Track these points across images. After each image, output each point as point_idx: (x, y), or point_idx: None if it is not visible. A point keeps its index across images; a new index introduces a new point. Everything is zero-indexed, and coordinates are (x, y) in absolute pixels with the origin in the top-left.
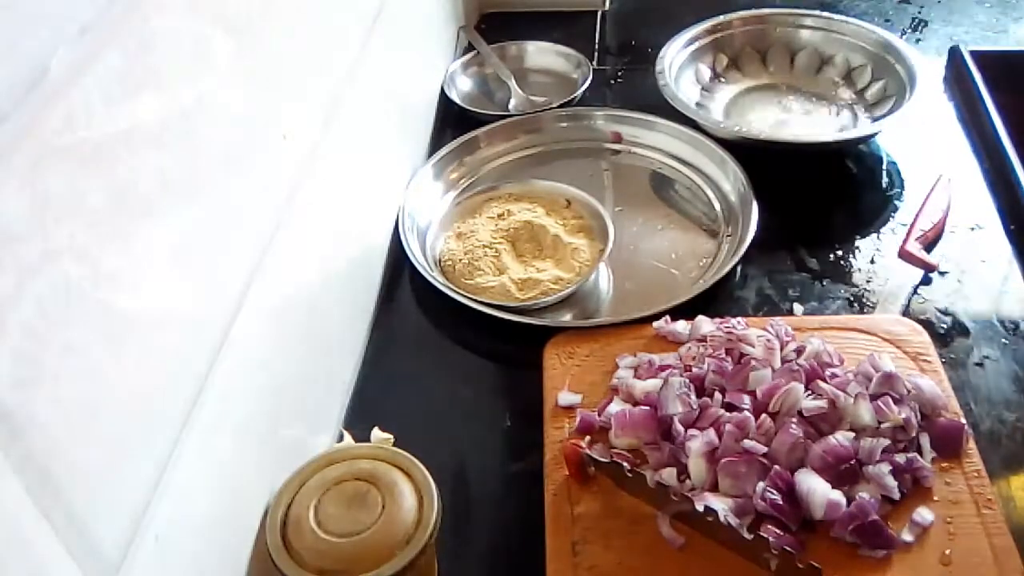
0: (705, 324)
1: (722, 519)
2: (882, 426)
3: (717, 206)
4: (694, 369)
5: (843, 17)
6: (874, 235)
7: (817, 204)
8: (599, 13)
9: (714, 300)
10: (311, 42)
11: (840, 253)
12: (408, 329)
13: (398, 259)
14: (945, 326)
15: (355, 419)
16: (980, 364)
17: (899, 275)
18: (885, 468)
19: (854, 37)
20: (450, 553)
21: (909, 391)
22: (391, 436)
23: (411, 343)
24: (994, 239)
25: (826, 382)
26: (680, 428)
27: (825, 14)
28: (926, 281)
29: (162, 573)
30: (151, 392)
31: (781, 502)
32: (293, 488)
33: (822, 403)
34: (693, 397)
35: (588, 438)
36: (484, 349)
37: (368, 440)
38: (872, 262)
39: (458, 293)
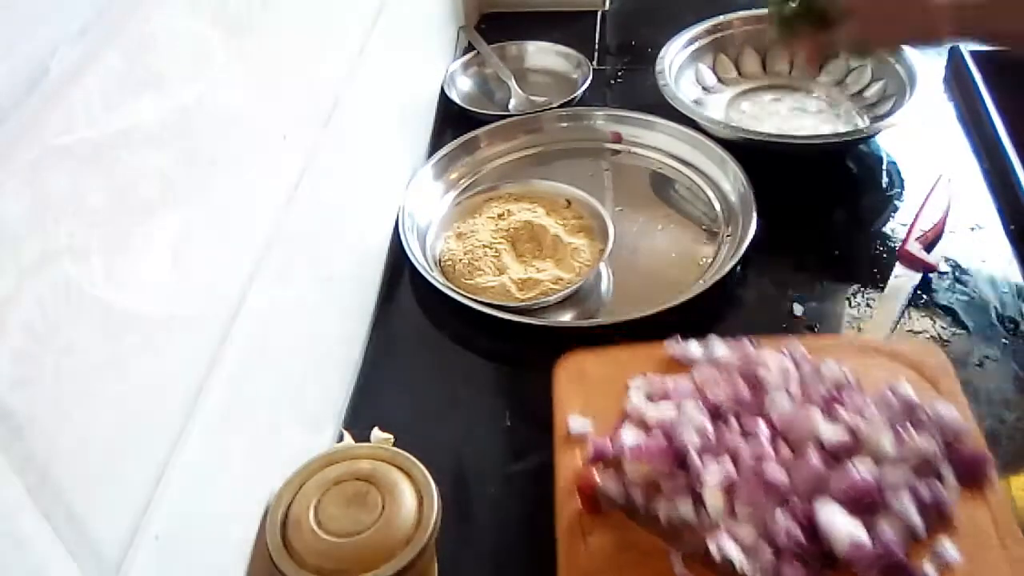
0: (718, 345)
1: (738, 569)
2: (904, 456)
3: (717, 206)
4: (708, 393)
5: None
6: (874, 235)
7: (817, 204)
8: (599, 13)
9: (714, 300)
10: (311, 42)
11: (840, 253)
12: (408, 329)
13: (398, 259)
14: (945, 326)
15: (355, 419)
16: (980, 364)
17: (899, 275)
18: (911, 505)
19: None
20: (450, 553)
21: (930, 419)
22: (391, 436)
23: (411, 343)
24: (994, 239)
25: (844, 408)
26: (696, 459)
27: None
28: (926, 281)
29: (162, 573)
30: (151, 392)
31: (803, 539)
32: (293, 488)
33: (842, 432)
34: (708, 424)
35: (600, 466)
36: (484, 349)
37: (368, 440)
38: (872, 262)
39: (458, 293)
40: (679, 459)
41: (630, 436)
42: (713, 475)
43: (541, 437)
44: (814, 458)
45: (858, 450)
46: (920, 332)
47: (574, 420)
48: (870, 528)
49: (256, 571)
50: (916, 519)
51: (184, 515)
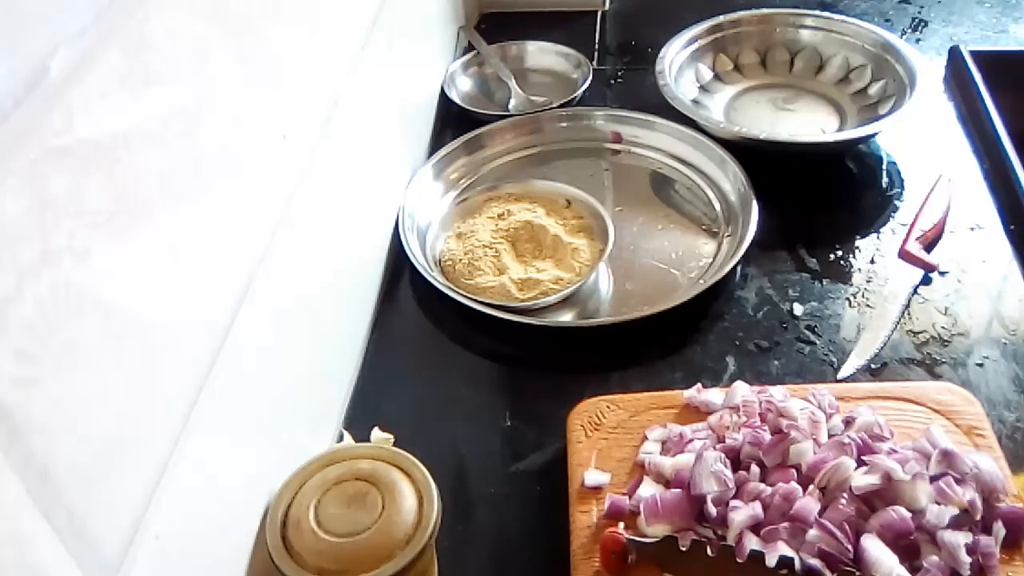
0: (742, 389)
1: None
2: (943, 509)
3: (717, 206)
4: (728, 439)
5: (843, 17)
6: (874, 235)
7: (817, 204)
8: (599, 13)
9: (714, 300)
10: (311, 42)
11: (840, 253)
12: (408, 329)
13: (398, 259)
14: (945, 326)
15: (355, 419)
16: (980, 364)
17: (899, 275)
18: (961, 539)
19: (854, 37)
20: (450, 553)
21: (971, 471)
22: (391, 436)
23: (411, 343)
24: (994, 239)
25: (878, 456)
26: (712, 509)
27: (825, 14)
28: (926, 281)
29: (162, 573)
30: (151, 392)
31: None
32: (293, 488)
33: (875, 479)
34: (728, 473)
35: (621, 524)
36: (484, 349)
37: (368, 440)
38: (872, 262)
39: (458, 293)
40: (698, 511)
41: (648, 490)
42: (740, 516)
43: (541, 437)
44: (848, 503)
45: (894, 500)
46: (920, 332)
47: (591, 475)
48: (914, 568)
49: (256, 571)
50: (964, 556)
51: (184, 515)
